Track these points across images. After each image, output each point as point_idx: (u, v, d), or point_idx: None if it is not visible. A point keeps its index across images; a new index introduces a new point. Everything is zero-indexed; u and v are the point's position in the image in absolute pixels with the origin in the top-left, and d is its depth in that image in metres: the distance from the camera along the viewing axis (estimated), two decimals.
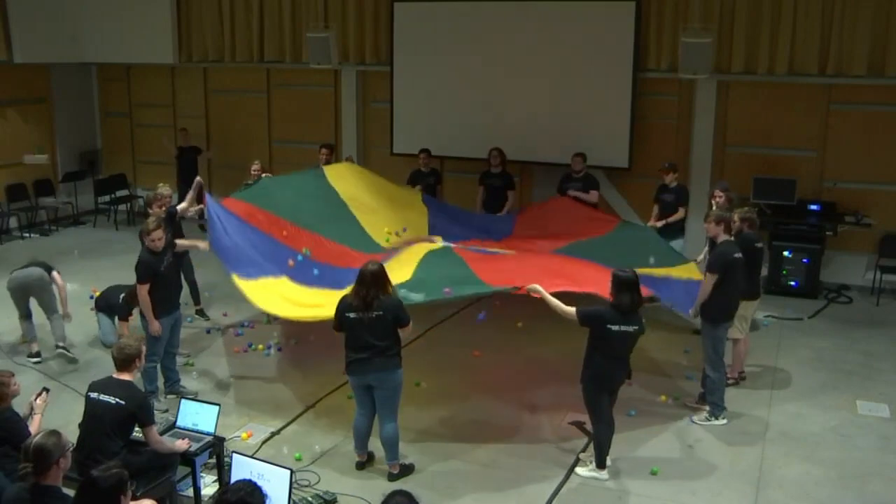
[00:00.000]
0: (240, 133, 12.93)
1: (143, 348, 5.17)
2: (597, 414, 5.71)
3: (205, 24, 12.58)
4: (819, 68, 9.67)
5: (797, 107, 9.99)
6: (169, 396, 6.88)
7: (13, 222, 12.64)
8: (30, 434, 4.41)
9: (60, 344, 7.74)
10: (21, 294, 7.76)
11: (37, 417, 4.94)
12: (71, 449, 4.02)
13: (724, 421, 6.56)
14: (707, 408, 6.64)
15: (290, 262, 7.33)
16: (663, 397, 7.01)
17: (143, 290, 6.50)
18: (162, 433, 5.16)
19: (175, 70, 13.28)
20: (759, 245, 7.16)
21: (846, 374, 7.59)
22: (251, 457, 4.85)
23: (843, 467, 5.97)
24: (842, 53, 9.53)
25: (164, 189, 7.70)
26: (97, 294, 8.39)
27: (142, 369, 5.50)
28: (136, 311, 7.20)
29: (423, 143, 10.51)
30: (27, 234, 12.52)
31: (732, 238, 6.66)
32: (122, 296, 7.81)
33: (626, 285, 5.46)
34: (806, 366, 7.78)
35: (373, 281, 5.47)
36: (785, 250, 9.69)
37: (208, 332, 8.57)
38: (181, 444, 5.09)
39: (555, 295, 5.74)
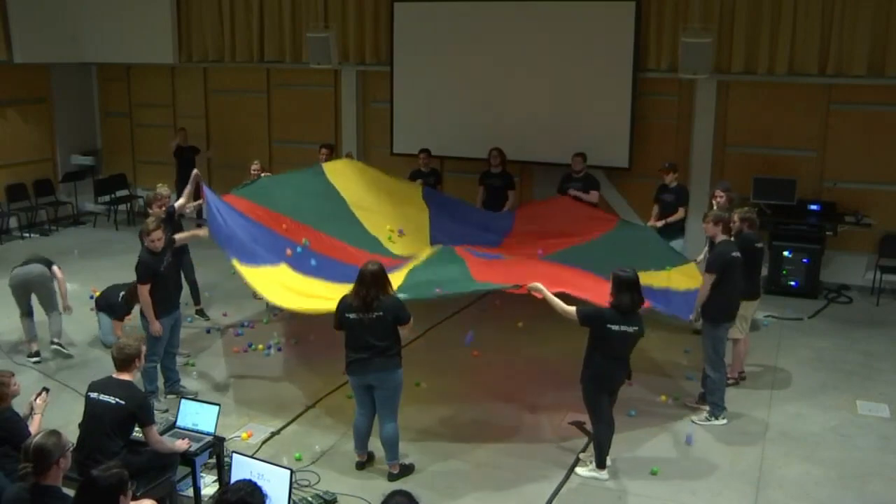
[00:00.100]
0: (240, 133, 12.92)
1: (143, 348, 5.18)
2: (597, 414, 5.71)
3: (205, 24, 12.57)
4: (819, 68, 9.67)
5: (797, 107, 9.99)
6: (169, 396, 6.89)
7: (13, 222, 12.64)
8: (30, 434, 4.41)
9: (55, 339, 7.75)
10: (23, 291, 7.77)
11: (37, 417, 4.94)
12: (71, 449, 4.02)
13: (725, 421, 6.56)
14: (707, 408, 6.64)
15: (288, 252, 7.28)
16: (663, 397, 7.01)
17: (144, 291, 6.50)
18: (162, 433, 5.16)
19: (175, 70, 13.28)
20: (759, 245, 7.16)
21: (846, 374, 7.60)
22: (251, 457, 4.85)
23: (843, 467, 5.97)
24: (842, 53, 9.53)
25: (164, 189, 7.69)
26: (97, 294, 8.39)
27: (142, 369, 5.50)
28: (136, 311, 7.21)
29: (423, 143, 10.51)
30: (27, 234, 12.53)
31: (731, 238, 6.67)
32: (121, 294, 7.84)
33: (626, 285, 5.46)
34: (806, 366, 7.78)
35: (373, 281, 5.47)
36: (785, 250, 9.69)
37: (208, 332, 8.58)
38: (181, 444, 5.09)
39: (555, 296, 5.74)
